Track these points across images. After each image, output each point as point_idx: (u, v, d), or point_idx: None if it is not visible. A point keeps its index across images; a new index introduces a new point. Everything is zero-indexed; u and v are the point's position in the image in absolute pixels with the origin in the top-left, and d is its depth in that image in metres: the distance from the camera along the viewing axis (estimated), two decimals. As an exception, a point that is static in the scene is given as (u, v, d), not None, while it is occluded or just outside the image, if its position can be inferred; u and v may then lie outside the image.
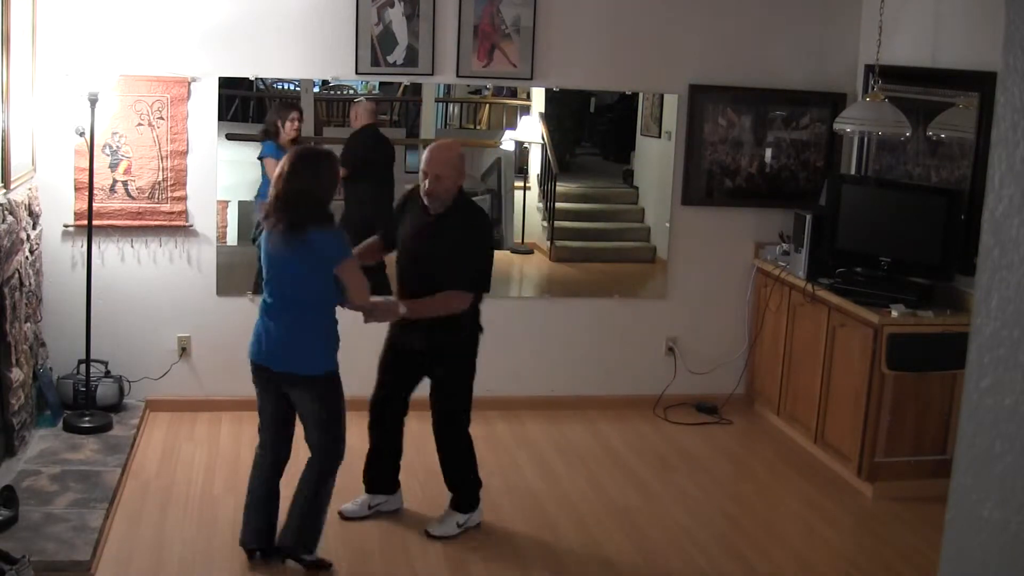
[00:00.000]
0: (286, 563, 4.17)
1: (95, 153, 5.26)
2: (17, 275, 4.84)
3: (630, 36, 5.96)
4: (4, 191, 4.72)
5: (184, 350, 5.80)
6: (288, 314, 4.02)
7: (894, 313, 5.14)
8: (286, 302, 4.02)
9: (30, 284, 5.11)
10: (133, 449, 5.17)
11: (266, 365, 4.07)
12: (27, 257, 5.05)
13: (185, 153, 5.61)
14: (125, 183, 5.56)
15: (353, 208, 6.12)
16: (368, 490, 4.69)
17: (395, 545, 4.46)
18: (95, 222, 5.36)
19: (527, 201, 6.96)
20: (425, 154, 4.38)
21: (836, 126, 5.63)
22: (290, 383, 4.08)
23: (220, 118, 5.68)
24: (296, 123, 5.98)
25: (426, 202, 4.34)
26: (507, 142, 6.92)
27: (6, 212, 4.66)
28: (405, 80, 6.16)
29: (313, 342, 4.05)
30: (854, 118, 5.41)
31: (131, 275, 5.66)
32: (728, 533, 4.79)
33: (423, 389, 4.59)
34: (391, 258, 4.61)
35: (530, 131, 6.74)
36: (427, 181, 4.30)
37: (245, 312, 5.82)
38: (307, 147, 4.42)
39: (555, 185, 6.86)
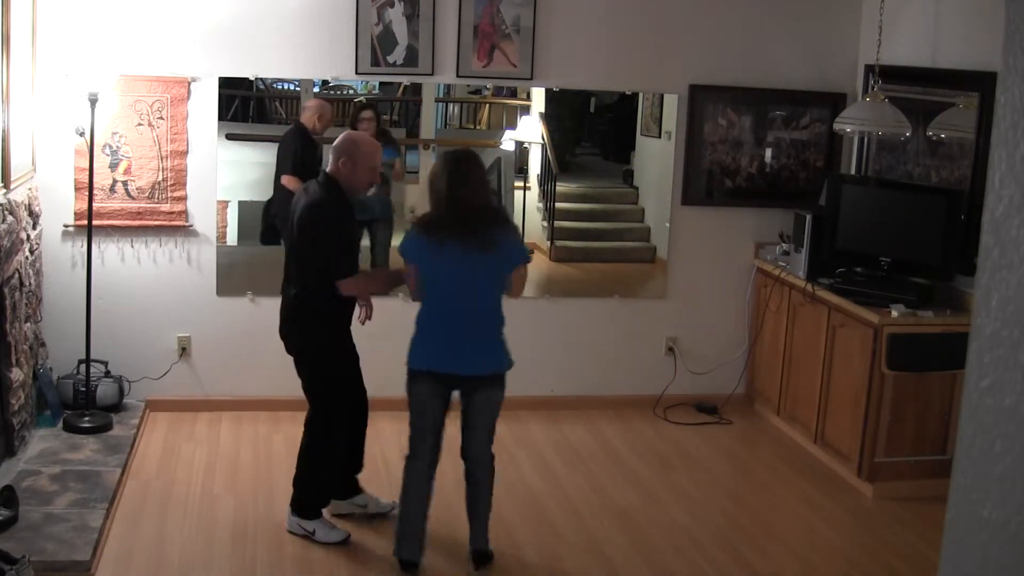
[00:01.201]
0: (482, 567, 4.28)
1: (95, 153, 5.26)
2: (17, 275, 4.84)
3: (630, 36, 5.96)
4: (4, 191, 4.72)
5: (184, 350, 5.80)
6: (481, 317, 4.05)
7: (894, 313, 5.14)
8: (480, 306, 4.05)
9: (30, 284, 5.12)
10: (133, 449, 5.17)
11: (452, 372, 4.06)
12: (27, 257, 5.05)
13: (185, 153, 5.61)
14: (125, 183, 5.56)
15: (276, 207, 6.05)
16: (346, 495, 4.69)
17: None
18: (95, 222, 5.36)
19: (527, 201, 6.95)
20: (374, 149, 4.33)
21: (836, 126, 5.63)
22: (475, 385, 4.10)
23: (220, 118, 5.68)
24: (366, 124, 6.08)
25: (363, 194, 4.44)
26: (507, 142, 6.92)
27: (6, 212, 4.66)
28: (405, 80, 6.16)
29: (502, 340, 4.13)
30: (854, 118, 5.41)
31: (131, 275, 5.66)
32: (728, 533, 4.78)
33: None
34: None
35: (530, 131, 6.74)
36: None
37: (245, 312, 5.83)
38: (460, 150, 4.41)
39: (555, 185, 6.85)
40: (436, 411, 4.13)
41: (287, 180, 5.79)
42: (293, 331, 4.42)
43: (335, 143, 4.29)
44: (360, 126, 6.04)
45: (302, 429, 4.51)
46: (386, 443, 5.47)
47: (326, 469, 4.47)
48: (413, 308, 4.18)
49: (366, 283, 4.53)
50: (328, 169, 4.28)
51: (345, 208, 4.29)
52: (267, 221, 6.25)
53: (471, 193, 3.97)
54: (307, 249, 4.25)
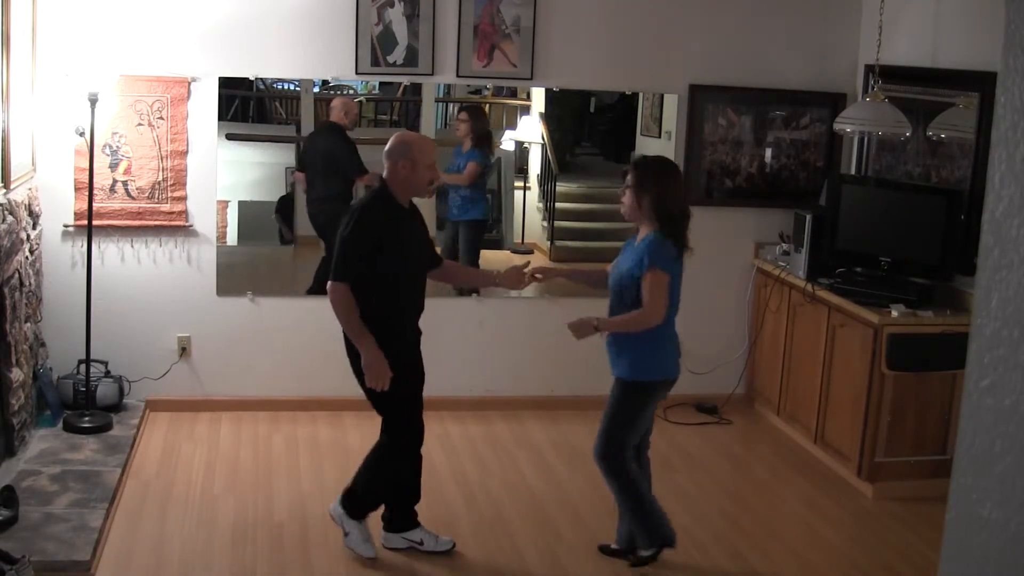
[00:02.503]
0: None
1: (95, 153, 5.26)
2: (17, 275, 4.84)
3: (630, 36, 5.96)
4: (4, 191, 4.72)
5: (184, 350, 5.80)
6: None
7: (894, 313, 5.14)
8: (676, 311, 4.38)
9: (30, 284, 5.12)
10: (133, 449, 5.17)
11: (677, 376, 4.40)
12: (27, 257, 5.05)
13: (185, 153, 5.61)
14: (125, 183, 5.56)
15: (315, 206, 6.10)
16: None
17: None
18: (95, 222, 5.36)
19: (527, 201, 6.95)
20: (429, 147, 4.22)
21: (836, 126, 5.63)
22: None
23: (220, 118, 5.68)
24: (460, 125, 6.21)
25: (424, 195, 4.38)
26: (507, 142, 6.92)
27: (6, 212, 4.66)
28: (405, 80, 6.16)
29: None
30: (854, 118, 5.41)
31: (131, 275, 5.66)
32: (728, 533, 4.78)
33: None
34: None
35: (530, 131, 6.74)
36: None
37: (245, 312, 5.83)
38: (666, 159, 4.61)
39: (555, 185, 6.85)
40: (652, 413, 4.48)
41: (368, 178, 5.85)
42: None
43: (388, 148, 4.12)
44: (458, 127, 6.17)
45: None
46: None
47: (385, 479, 4.33)
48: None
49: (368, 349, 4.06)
50: (384, 175, 4.13)
51: (390, 215, 4.11)
52: (301, 221, 6.34)
53: (685, 203, 4.37)
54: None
